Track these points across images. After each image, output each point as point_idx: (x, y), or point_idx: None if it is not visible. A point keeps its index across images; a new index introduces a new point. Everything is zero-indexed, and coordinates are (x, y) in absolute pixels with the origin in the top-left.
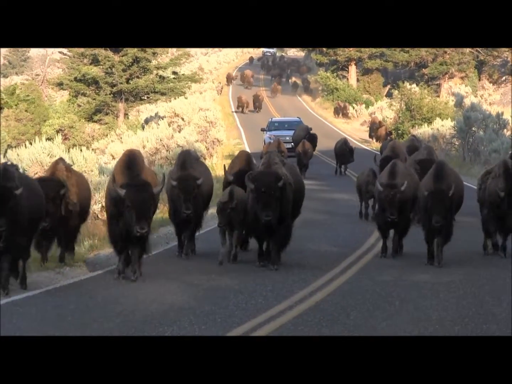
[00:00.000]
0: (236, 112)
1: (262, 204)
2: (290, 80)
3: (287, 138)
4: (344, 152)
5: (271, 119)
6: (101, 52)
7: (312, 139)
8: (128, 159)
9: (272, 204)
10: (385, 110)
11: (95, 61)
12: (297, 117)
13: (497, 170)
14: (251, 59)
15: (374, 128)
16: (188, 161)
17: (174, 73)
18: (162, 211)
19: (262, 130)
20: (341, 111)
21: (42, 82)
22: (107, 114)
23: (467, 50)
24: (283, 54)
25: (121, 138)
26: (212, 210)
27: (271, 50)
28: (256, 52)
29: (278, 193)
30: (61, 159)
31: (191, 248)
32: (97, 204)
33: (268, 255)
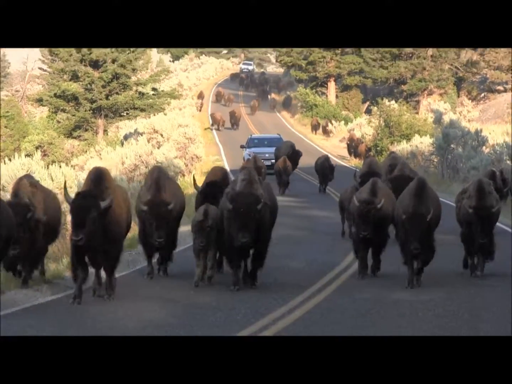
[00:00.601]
0: (211, 129)
1: (239, 225)
2: (269, 96)
3: (267, 155)
4: (325, 169)
5: (251, 136)
6: (80, 68)
7: (295, 155)
8: (92, 175)
9: (249, 226)
10: (364, 127)
11: (74, 77)
12: (277, 134)
13: (471, 190)
14: (232, 75)
15: (353, 145)
16: (161, 181)
17: (154, 89)
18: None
19: (242, 147)
20: (318, 128)
21: (21, 98)
22: (86, 130)
23: (446, 66)
24: (263, 70)
25: (100, 154)
26: (186, 228)
27: (249, 66)
28: (236, 69)
29: (257, 216)
30: (26, 176)
31: (164, 268)
32: None
33: (245, 276)
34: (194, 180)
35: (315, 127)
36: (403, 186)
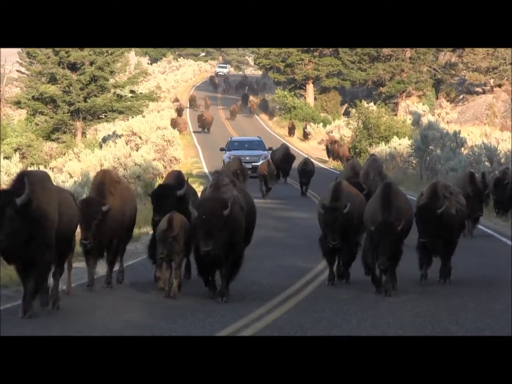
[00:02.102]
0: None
1: (203, 232)
2: (248, 100)
3: (247, 158)
4: (300, 172)
5: (231, 138)
6: (58, 70)
7: (288, 158)
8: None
9: (214, 234)
10: (343, 129)
11: (52, 80)
12: (258, 137)
13: (425, 192)
14: (211, 77)
15: (333, 147)
16: (103, 184)
17: (132, 91)
18: None
19: (222, 149)
20: (293, 131)
21: None
22: (64, 132)
23: (425, 68)
24: (244, 73)
25: (79, 156)
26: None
27: (223, 70)
28: (213, 71)
29: (222, 223)
30: None
31: (120, 277)
32: None
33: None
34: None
35: (291, 130)
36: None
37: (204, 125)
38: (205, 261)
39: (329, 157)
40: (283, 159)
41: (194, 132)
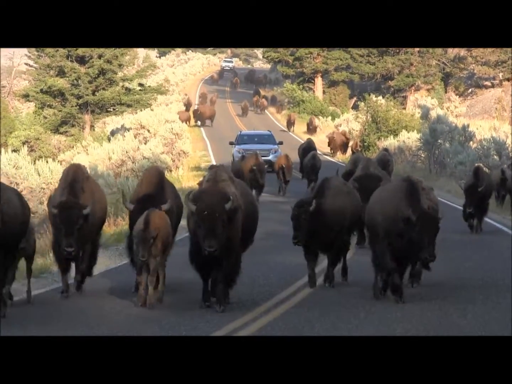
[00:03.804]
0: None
1: (205, 230)
2: (260, 95)
3: (257, 152)
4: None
5: (240, 132)
6: (67, 64)
7: (310, 148)
8: None
9: (217, 231)
10: (351, 122)
11: (61, 73)
12: (268, 130)
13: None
14: (220, 72)
15: (331, 138)
16: (76, 182)
17: (140, 85)
18: (127, 223)
19: (231, 143)
20: (292, 125)
21: (8, 94)
22: (73, 126)
23: (433, 62)
24: (252, 68)
25: (87, 150)
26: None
27: (229, 64)
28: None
29: (225, 217)
30: None
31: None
32: None
33: (214, 292)
34: (124, 196)
35: (289, 124)
36: (370, 185)
37: (200, 119)
38: (207, 261)
39: (331, 150)
40: (304, 152)
41: (203, 125)
